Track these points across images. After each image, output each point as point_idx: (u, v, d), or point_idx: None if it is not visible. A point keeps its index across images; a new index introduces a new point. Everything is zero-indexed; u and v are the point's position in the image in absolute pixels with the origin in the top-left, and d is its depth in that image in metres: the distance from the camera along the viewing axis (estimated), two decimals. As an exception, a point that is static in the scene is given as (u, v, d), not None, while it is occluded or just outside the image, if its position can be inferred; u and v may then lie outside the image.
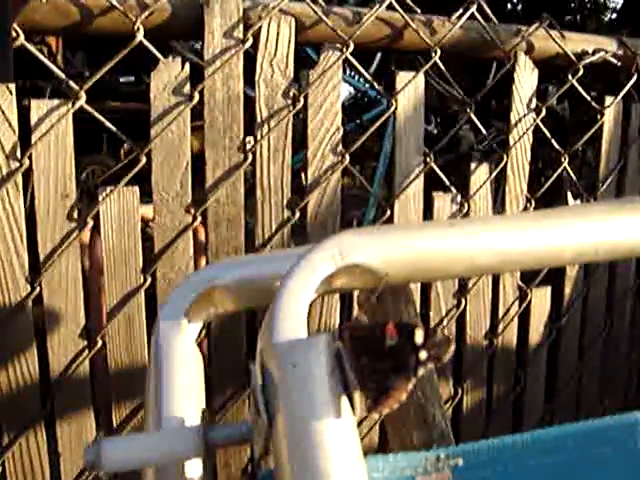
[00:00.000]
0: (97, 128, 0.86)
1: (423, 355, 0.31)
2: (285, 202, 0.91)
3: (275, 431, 0.31)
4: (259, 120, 0.87)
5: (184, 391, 0.45)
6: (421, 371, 0.30)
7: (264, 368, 0.32)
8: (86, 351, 0.83)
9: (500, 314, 1.13)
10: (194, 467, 0.38)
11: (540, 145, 1.12)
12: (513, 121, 1.06)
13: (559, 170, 1.12)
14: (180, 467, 0.39)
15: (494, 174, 1.06)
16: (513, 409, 1.16)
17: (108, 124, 0.82)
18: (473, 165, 1.05)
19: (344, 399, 0.31)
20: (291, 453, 0.29)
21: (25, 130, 0.78)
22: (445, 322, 1.07)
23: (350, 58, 0.91)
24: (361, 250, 0.42)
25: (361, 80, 2.86)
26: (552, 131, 1.11)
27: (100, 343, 0.84)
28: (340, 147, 0.93)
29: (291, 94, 0.89)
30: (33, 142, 0.78)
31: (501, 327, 1.13)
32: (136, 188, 0.83)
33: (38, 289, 0.80)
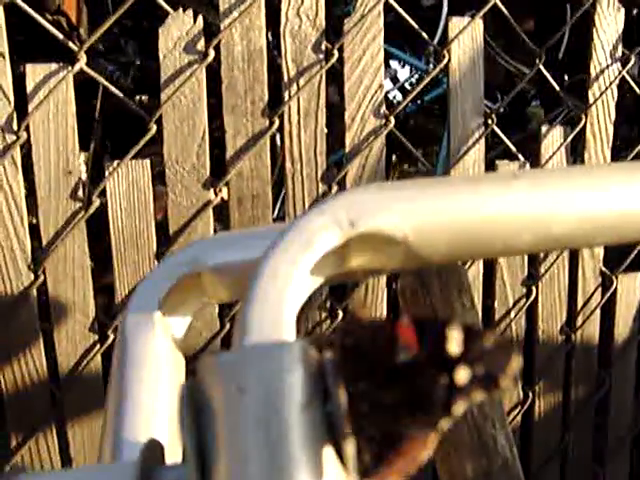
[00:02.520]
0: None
1: (463, 375, 0.18)
2: (320, 174, 0.78)
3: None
4: (286, 79, 0.75)
5: (148, 408, 0.34)
6: (460, 407, 0.17)
7: (202, 393, 0.20)
8: (97, 346, 0.74)
9: (579, 305, 0.96)
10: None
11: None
12: (593, 73, 0.89)
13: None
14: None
15: (570, 138, 0.89)
16: (595, 416, 0.99)
17: (114, 89, 0.72)
18: (544, 128, 0.89)
19: (328, 451, 0.18)
20: None
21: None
22: (512, 314, 0.91)
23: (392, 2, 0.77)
24: (382, 212, 0.28)
25: (421, 60, 2.67)
26: (635, 106, 0.93)
27: (112, 337, 0.74)
28: (383, 108, 0.79)
29: (323, 47, 0.76)
30: (30, 111, 0.69)
31: (580, 320, 0.96)
32: (147, 161, 0.73)
33: (42, 277, 0.71)
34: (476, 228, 0.30)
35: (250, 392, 0.18)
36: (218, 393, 0.19)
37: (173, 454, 0.29)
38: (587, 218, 0.33)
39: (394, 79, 2.06)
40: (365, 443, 0.18)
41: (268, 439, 0.18)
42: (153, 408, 0.35)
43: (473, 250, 0.31)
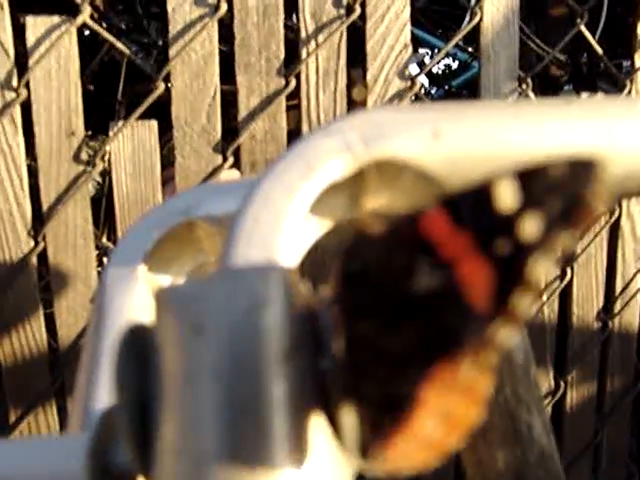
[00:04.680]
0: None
1: (531, 225, 0.13)
2: (338, 141, 0.72)
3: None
4: (304, 35, 0.70)
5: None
6: (539, 269, 0.12)
7: (151, 339, 0.15)
8: (100, 319, 0.70)
9: (617, 289, 0.89)
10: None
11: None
12: (641, 35, 0.81)
13: None
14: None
15: (614, 107, 0.82)
16: (634, 410, 0.92)
17: (120, 46, 0.68)
18: (584, 95, 0.82)
19: (317, 420, 0.13)
20: None
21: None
22: (545, 298, 0.85)
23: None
24: (403, 133, 0.23)
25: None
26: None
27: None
28: (409, 70, 0.73)
29: (344, 2, 0.70)
30: (30, 67, 0.65)
31: (618, 306, 0.89)
32: (153, 122, 0.68)
33: (42, 244, 0.67)
34: (519, 160, 0.24)
35: (209, 332, 0.13)
36: (169, 336, 0.14)
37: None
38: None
39: (421, 64, 1.97)
40: (372, 408, 0.13)
41: (230, 399, 0.13)
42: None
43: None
